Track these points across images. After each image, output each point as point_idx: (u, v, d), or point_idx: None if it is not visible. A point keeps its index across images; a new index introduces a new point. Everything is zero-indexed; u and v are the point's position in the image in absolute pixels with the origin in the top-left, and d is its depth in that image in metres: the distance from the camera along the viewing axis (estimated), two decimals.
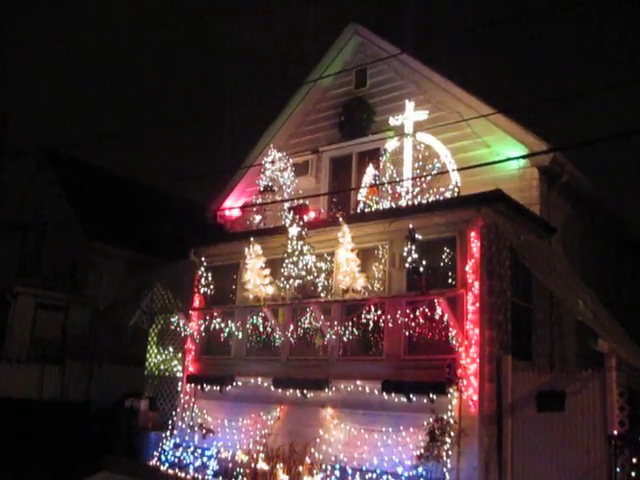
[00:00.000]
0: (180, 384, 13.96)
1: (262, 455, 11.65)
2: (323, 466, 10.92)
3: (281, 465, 11.24)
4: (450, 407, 9.88)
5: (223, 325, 12.99)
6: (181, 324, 13.84)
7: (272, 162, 14.63)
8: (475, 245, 10.28)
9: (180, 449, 13.06)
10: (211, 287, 13.51)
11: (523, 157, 12.18)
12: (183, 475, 12.41)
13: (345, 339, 11.45)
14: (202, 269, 13.64)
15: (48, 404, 18.81)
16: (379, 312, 10.96)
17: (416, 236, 10.40)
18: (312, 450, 11.15)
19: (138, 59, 74.75)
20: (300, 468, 11.01)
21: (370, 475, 10.39)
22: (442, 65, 14.80)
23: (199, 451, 12.77)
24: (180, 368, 14.31)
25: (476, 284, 10.14)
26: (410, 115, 13.34)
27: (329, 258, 11.94)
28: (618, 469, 8.70)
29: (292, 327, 12.11)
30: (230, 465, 12.09)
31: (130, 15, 72.75)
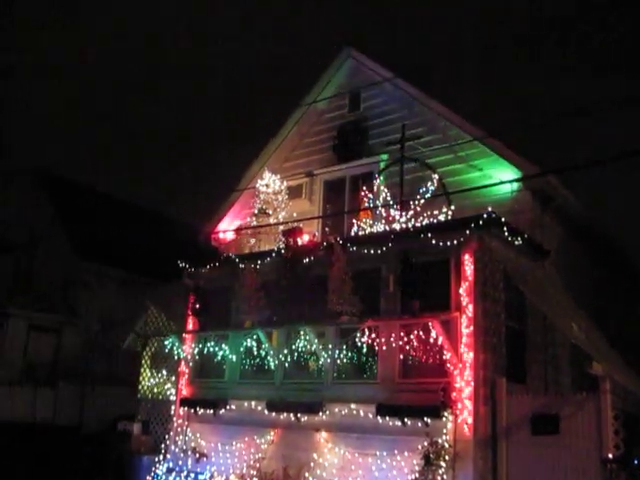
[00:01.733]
0: (173, 407, 13.88)
1: (256, 479, 11.58)
2: None
3: None
4: (445, 431, 9.85)
5: (217, 348, 12.96)
6: (175, 347, 13.80)
7: (266, 185, 14.69)
8: (469, 268, 10.31)
9: (173, 474, 12.97)
10: (205, 310, 13.48)
11: (516, 180, 12.23)
12: None
13: (339, 362, 11.44)
14: (196, 292, 13.63)
15: (40, 427, 18.66)
16: (373, 335, 10.96)
17: (410, 259, 10.43)
18: (306, 474, 11.10)
19: (132, 81, 75.01)
20: None
21: None
22: (435, 89, 14.89)
23: (192, 475, 12.68)
24: (173, 391, 14.25)
25: (470, 307, 10.16)
26: (403, 138, 13.41)
27: (323, 281, 11.93)
28: None
29: (286, 350, 12.08)
30: None
31: (126, 35, 73.16)
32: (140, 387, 15.49)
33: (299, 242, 12.35)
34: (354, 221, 13.39)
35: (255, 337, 12.49)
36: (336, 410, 11.16)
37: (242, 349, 12.78)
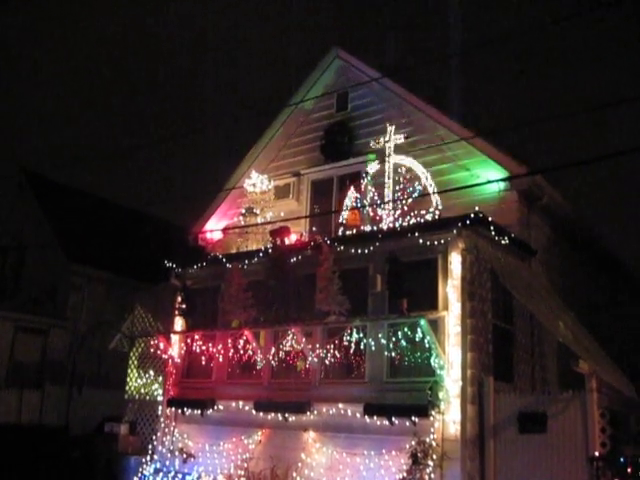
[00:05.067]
0: (161, 408, 13.83)
1: (244, 479, 11.56)
2: None
3: None
4: (432, 430, 9.86)
5: (204, 348, 12.91)
6: (162, 347, 13.75)
7: (253, 185, 14.67)
8: (456, 267, 10.33)
9: (160, 474, 12.93)
10: (192, 310, 13.46)
11: (503, 180, 12.27)
12: None
13: (327, 362, 11.42)
14: (183, 292, 13.61)
15: (26, 429, 18.55)
16: (360, 335, 10.95)
17: (397, 258, 10.44)
18: (294, 474, 11.08)
19: (119, 80, 74.80)
20: None
21: None
22: (423, 89, 14.92)
23: (180, 476, 12.64)
24: (161, 392, 14.20)
25: (457, 306, 10.18)
26: (391, 138, 13.43)
27: (310, 280, 11.92)
28: None
29: (273, 350, 12.05)
30: None
31: (111, 38, 72.95)
32: (127, 388, 15.41)
33: (286, 242, 12.33)
34: (341, 220, 13.39)
35: (242, 337, 12.46)
36: (324, 410, 11.15)
37: (229, 349, 12.73)
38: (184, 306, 13.43)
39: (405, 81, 14.80)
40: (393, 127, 13.56)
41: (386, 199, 12.84)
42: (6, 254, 25.40)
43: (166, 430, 13.42)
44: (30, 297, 23.28)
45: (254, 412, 11.94)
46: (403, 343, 10.53)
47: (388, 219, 12.44)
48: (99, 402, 18.95)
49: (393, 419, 10.24)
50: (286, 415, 11.53)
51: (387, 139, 13.44)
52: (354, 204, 13.42)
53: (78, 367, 20.73)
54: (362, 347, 11.03)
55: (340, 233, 12.96)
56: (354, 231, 12.64)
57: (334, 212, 14.39)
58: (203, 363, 13.12)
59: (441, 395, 9.93)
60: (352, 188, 13.68)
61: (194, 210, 17.85)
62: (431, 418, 9.88)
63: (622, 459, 8.86)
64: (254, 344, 12.21)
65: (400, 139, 13.36)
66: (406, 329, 10.43)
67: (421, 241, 10.70)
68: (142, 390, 15.13)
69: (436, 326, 10.24)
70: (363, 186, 13.58)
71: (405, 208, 12.54)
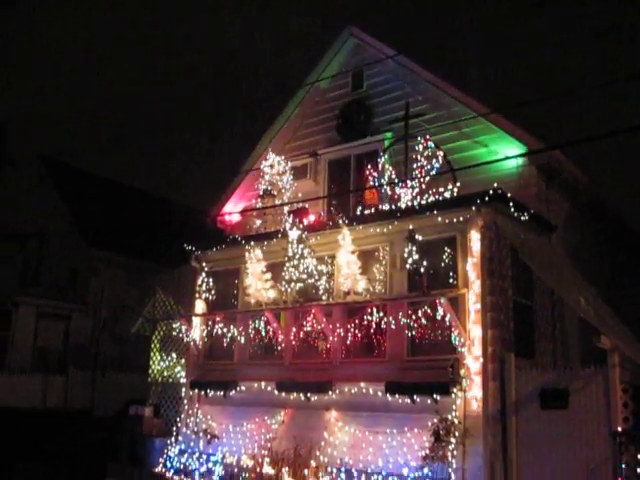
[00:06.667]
0: (184, 390, 13.94)
1: (267, 459, 11.65)
2: (328, 469, 10.92)
3: (286, 469, 11.25)
4: (454, 407, 9.88)
5: (225, 330, 12.99)
6: (183, 330, 13.85)
7: (271, 166, 14.65)
8: (475, 244, 10.29)
9: (185, 455, 13.06)
10: (212, 292, 13.57)
11: (521, 155, 12.16)
12: None
13: (348, 341, 11.45)
14: (203, 274, 13.71)
15: (51, 413, 18.82)
16: (381, 314, 10.97)
17: (416, 237, 10.44)
18: (317, 453, 11.15)
19: (137, 64, 74.85)
20: (305, 471, 11.01)
21: (375, 477, 10.39)
22: (439, 65, 14.80)
23: (204, 457, 12.75)
24: (183, 374, 14.32)
25: (477, 283, 10.15)
26: (407, 116, 13.33)
27: (330, 261, 11.95)
28: (623, 465, 8.69)
29: (294, 330, 12.10)
30: (235, 470, 12.08)
31: (129, 19, 72.95)
32: (150, 371, 15.57)
33: (305, 222, 12.34)
34: (359, 200, 13.36)
35: (263, 318, 12.52)
36: (345, 389, 11.19)
37: (250, 330, 12.79)
38: (204, 288, 13.54)
39: (421, 58, 14.68)
40: (409, 105, 13.47)
41: (404, 177, 12.78)
42: (27, 241, 25.66)
43: (190, 412, 13.54)
44: (51, 283, 23.54)
45: (276, 393, 12.00)
46: (423, 321, 10.54)
47: (406, 197, 12.39)
48: (123, 385, 19.17)
49: (415, 397, 10.26)
50: (308, 395, 11.59)
51: (404, 117, 13.36)
52: (372, 183, 13.38)
53: (101, 351, 20.98)
54: (382, 326, 11.05)
55: (359, 212, 12.95)
56: (373, 210, 12.62)
57: (352, 192, 14.36)
58: (225, 345, 13.20)
59: (462, 372, 9.94)
60: (369, 167, 13.65)
61: (212, 193, 17.91)
62: (453, 395, 9.89)
63: None
64: (275, 325, 12.27)
65: (417, 116, 13.27)
66: (426, 307, 10.43)
67: (440, 219, 10.67)
68: (165, 373, 15.27)
69: (456, 304, 10.22)
70: (380, 165, 13.53)
71: (423, 186, 12.49)
